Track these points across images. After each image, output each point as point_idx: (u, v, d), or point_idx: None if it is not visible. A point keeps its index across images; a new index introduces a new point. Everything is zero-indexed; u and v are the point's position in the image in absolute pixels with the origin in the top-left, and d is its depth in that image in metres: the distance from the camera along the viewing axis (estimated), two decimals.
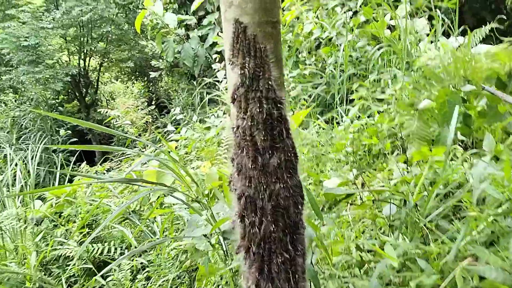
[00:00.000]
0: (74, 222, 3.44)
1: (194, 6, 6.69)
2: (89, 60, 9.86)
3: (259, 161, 0.73)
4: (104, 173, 5.41)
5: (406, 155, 1.85)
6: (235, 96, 0.72)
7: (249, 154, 0.73)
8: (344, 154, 2.82)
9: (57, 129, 9.65)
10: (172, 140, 5.04)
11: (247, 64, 0.71)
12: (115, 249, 3.35)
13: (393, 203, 1.71)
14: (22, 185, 4.27)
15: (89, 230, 3.44)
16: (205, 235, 1.38)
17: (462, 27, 4.37)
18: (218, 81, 5.47)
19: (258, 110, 0.70)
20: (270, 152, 0.73)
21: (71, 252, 3.17)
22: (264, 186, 0.73)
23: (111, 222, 3.28)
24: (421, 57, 3.41)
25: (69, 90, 10.55)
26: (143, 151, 3.97)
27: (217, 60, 5.30)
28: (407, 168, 1.89)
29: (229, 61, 0.73)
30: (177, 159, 1.31)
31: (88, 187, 3.50)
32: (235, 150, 0.75)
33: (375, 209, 1.96)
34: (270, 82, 0.72)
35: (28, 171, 4.32)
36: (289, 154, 0.73)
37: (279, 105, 0.72)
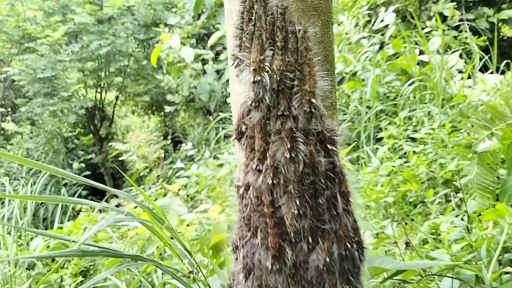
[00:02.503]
0: (67, 268, 3.08)
1: (211, 41, 6.55)
2: (106, 94, 9.81)
3: (287, 256, 0.37)
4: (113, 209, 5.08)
5: (467, 212, 1.45)
6: (242, 127, 0.39)
7: (267, 243, 0.37)
8: (375, 201, 2.42)
9: (70, 161, 9.48)
10: (184, 177, 4.74)
11: (267, 64, 0.38)
12: None
13: (455, 278, 1.29)
14: (21, 223, 3.96)
15: (83, 279, 3.07)
16: None
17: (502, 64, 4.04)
18: None
19: (288, 156, 0.36)
20: (310, 240, 0.37)
21: None
22: None
23: (107, 269, 2.91)
24: (463, 92, 3.04)
25: (85, 123, 10.47)
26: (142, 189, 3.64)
27: None
28: (467, 227, 1.48)
29: (232, 58, 0.40)
30: (165, 218, 0.97)
31: (84, 230, 3.16)
32: (241, 231, 0.40)
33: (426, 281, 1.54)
34: (313, 101, 0.38)
35: (25, 209, 4.01)
36: (347, 245, 0.38)
37: (329, 146, 0.38)
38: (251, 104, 0.39)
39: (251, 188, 0.40)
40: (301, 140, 0.38)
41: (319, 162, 0.39)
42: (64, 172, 1.02)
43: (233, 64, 0.41)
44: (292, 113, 0.39)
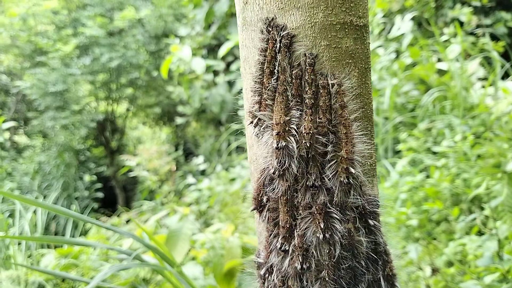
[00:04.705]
0: None
1: (222, 52, 6.49)
2: (117, 106, 9.82)
3: None
4: (126, 222, 5.01)
5: (497, 235, 1.32)
6: (263, 197, 0.29)
7: None
8: (398, 223, 2.29)
9: (81, 174, 9.47)
10: (196, 190, 4.66)
11: (294, 126, 0.28)
12: None
13: None
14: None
15: None
16: None
17: None
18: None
19: (321, 237, 0.26)
20: None
21: None
22: None
23: None
24: (484, 101, 2.91)
25: (97, 135, 10.49)
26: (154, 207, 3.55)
27: None
28: (498, 253, 1.35)
29: (250, 116, 0.30)
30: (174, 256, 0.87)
31: (95, 249, 3.08)
32: None
33: None
34: (351, 170, 0.28)
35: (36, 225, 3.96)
36: None
37: (371, 221, 0.28)
38: (274, 173, 0.30)
39: (275, 270, 0.30)
40: (337, 217, 0.29)
41: (359, 242, 0.30)
42: (66, 210, 0.92)
43: (253, 122, 0.31)
44: (325, 184, 0.29)
